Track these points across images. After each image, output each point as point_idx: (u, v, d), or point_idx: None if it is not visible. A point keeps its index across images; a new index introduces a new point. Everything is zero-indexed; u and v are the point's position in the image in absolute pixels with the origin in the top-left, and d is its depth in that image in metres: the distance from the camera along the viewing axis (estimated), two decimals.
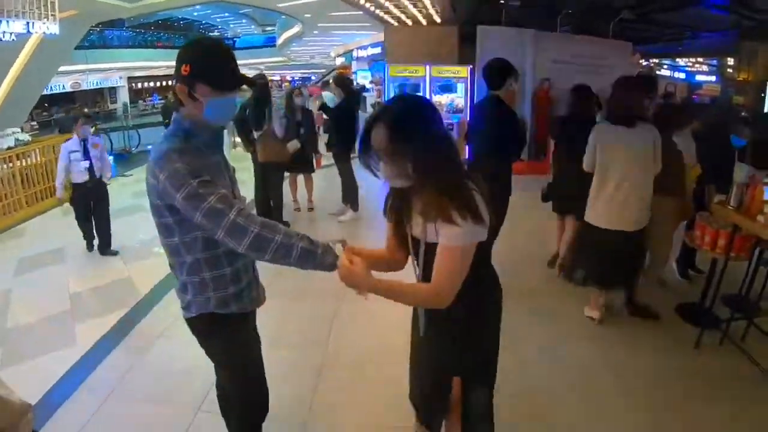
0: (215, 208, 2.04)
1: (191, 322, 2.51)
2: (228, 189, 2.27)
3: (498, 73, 4.98)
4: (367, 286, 2.13)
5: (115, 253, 7.26)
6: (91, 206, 7.21)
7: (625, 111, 4.37)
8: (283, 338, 4.70)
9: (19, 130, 12.70)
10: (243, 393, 2.70)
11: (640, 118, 4.38)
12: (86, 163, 6.99)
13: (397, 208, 2.33)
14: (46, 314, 5.48)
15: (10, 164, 9.84)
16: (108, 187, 7.41)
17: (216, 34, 57.79)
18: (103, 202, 7.31)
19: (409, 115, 2.08)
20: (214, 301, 2.40)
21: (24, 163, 10.17)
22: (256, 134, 7.42)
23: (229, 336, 2.53)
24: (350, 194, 8.27)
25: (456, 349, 2.39)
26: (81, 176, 7.01)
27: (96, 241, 7.36)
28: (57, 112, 33.43)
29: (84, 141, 7.01)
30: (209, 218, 2.05)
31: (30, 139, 12.01)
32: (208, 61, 2.20)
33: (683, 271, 5.87)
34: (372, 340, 4.75)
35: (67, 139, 7.27)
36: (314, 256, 2.10)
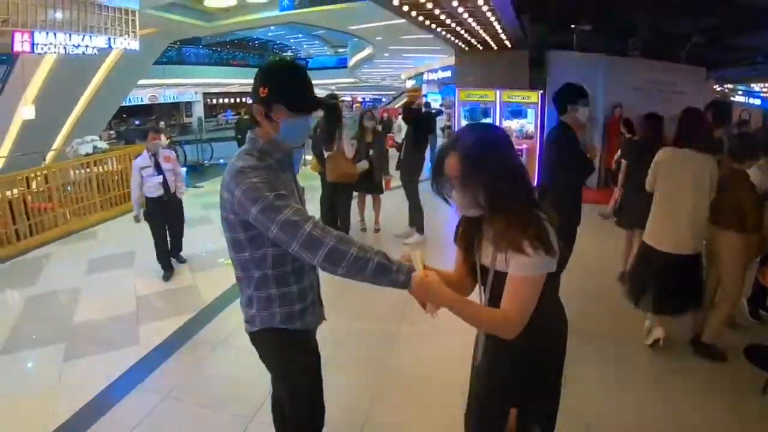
0: (291, 221, 2.06)
1: (254, 336, 2.55)
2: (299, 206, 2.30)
3: (561, 97, 4.90)
4: (443, 298, 2.07)
5: (183, 261, 7.30)
6: (166, 221, 7.01)
7: (688, 138, 4.56)
8: (341, 357, 4.69)
9: (97, 138, 13.15)
10: (299, 409, 2.71)
11: (702, 146, 4.52)
12: (159, 178, 6.77)
13: (468, 235, 2.32)
14: (112, 314, 5.67)
15: (88, 169, 10.28)
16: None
17: (289, 54, 58.82)
18: (178, 217, 7.27)
19: (482, 145, 2.07)
20: (279, 317, 2.45)
21: (100, 170, 10.56)
22: (326, 153, 7.49)
23: (290, 352, 2.56)
24: (416, 217, 8.25)
25: (515, 380, 2.32)
26: (155, 191, 6.78)
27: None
28: (134, 123, 34.53)
29: (154, 155, 6.79)
30: (285, 230, 2.07)
31: (107, 147, 12.41)
32: (286, 84, 2.27)
33: (755, 311, 5.58)
34: (430, 364, 4.72)
35: (138, 155, 7.09)
36: (389, 272, 2.07)
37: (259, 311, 2.45)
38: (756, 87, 24.62)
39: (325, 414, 2.82)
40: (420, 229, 8.25)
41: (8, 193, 8.63)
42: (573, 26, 11.79)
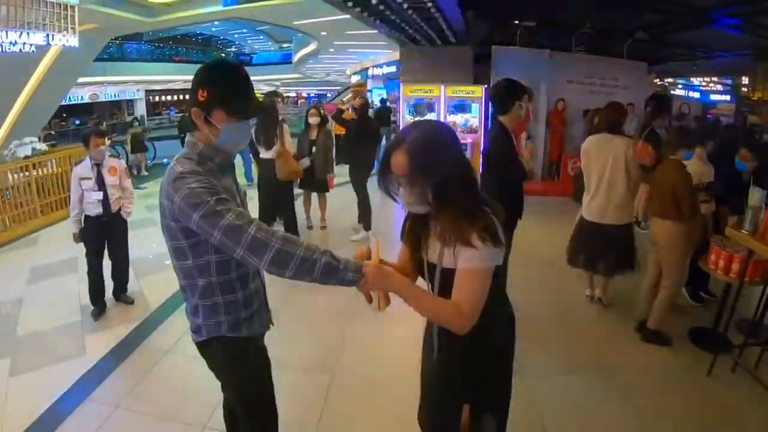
0: (234, 225, 2.00)
1: (201, 346, 2.50)
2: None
3: (504, 94, 4.68)
4: (399, 284, 2.07)
5: (131, 302, 6.11)
6: (104, 245, 5.96)
7: (607, 125, 5.37)
8: (290, 361, 4.66)
9: (36, 139, 12.77)
10: (253, 416, 2.65)
11: (619, 132, 5.36)
12: (99, 194, 5.69)
13: (415, 232, 2.34)
14: (57, 324, 5.50)
15: (26, 173, 9.89)
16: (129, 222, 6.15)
17: (233, 50, 58.20)
18: (121, 245, 6.09)
19: (429, 142, 2.08)
20: (225, 325, 2.41)
21: (40, 173, 10.22)
22: (265, 153, 7.44)
23: (240, 360, 2.51)
24: (365, 214, 8.29)
25: (467, 376, 2.39)
26: (93, 208, 5.73)
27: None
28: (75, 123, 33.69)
29: (98, 165, 5.71)
30: (228, 235, 2.00)
31: (46, 149, 12.04)
32: (226, 89, 2.21)
33: (695, 294, 5.81)
34: (379, 364, 4.75)
35: (78, 162, 6.00)
36: (337, 271, 2.03)
37: (206, 320, 2.40)
38: (695, 81, 25.29)
39: (278, 419, 2.78)
40: (367, 226, 8.29)
41: None
42: (517, 22, 11.93)
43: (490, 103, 10.25)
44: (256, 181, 9.09)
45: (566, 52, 12.56)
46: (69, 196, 6.01)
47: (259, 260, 1.99)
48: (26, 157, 10.53)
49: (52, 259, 7.57)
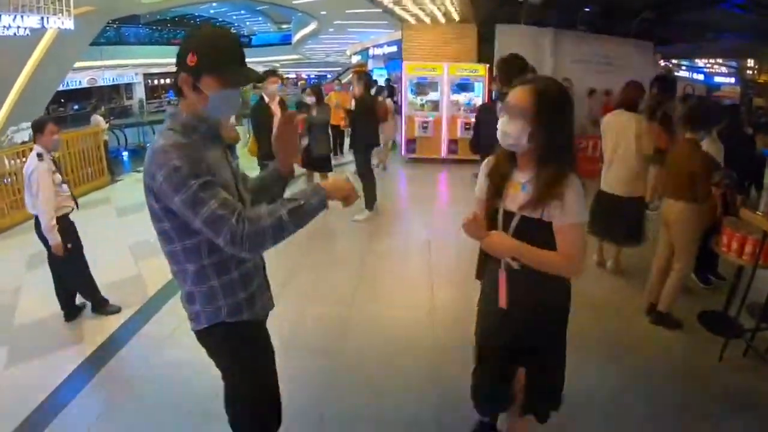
0: (216, 215, 1.93)
1: (200, 334, 2.35)
2: (230, 183, 2.17)
3: (506, 69, 4.58)
4: (516, 247, 2.33)
5: (117, 310, 5.43)
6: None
7: (624, 102, 5.61)
8: (294, 343, 4.58)
9: None
10: (255, 405, 2.52)
11: (635, 110, 5.56)
12: (66, 188, 5.19)
13: (496, 182, 2.48)
14: (55, 311, 5.36)
15: (23, 158, 9.58)
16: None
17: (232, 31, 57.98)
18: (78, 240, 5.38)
19: (561, 93, 2.33)
20: (225, 310, 2.26)
21: None
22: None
23: (242, 347, 2.37)
24: (369, 194, 8.23)
25: (539, 321, 2.55)
26: (66, 204, 5.14)
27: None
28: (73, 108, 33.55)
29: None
30: (209, 225, 1.94)
31: None
32: (218, 53, 2.06)
33: (705, 277, 5.72)
34: (386, 349, 4.64)
35: (37, 154, 4.92)
36: (302, 210, 2.04)
37: (203, 307, 2.25)
38: (700, 63, 25.14)
39: (281, 408, 2.65)
40: (370, 206, 8.25)
41: None
42: (521, 0, 11.73)
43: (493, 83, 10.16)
44: None
45: (571, 30, 12.36)
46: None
47: (240, 250, 1.97)
48: (23, 143, 10.41)
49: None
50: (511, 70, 4.49)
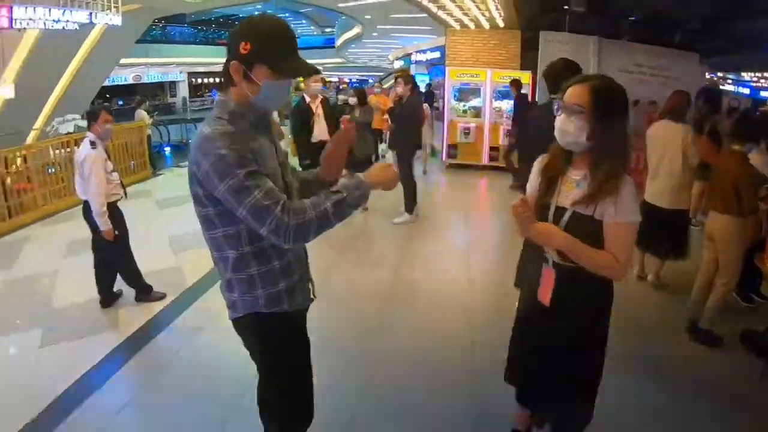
0: (261, 205, 1.92)
1: (237, 323, 2.33)
2: (277, 173, 2.15)
3: (556, 73, 4.23)
4: (563, 239, 2.31)
5: (162, 296, 5.51)
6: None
7: (671, 112, 5.50)
8: (329, 341, 4.50)
9: (78, 117, 12.87)
10: (287, 398, 2.46)
11: (680, 118, 5.46)
12: (117, 176, 5.28)
13: (549, 176, 2.49)
14: (91, 297, 5.41)
15: (68, 149, 9.91)
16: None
17: None
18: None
19: (617, 90, 2.32)
20: (263, 300, 2.22)
21: None
22: None
23: (278, 340, 2.34)
24: (410, 198, 8.15)
25: (581, 321, 2.51)
26: (116, 192, 5.21)
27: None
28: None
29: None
30: (253, 215, 1.94)
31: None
32: (272, 43, 2.03)
33: (746, 295, 5.52)
34: (424, 347, 4.58)
35: (90, 142, 5.01)
36: (346, 203, 2.05)
37: (241, 295, 2.22)
38: (746, 76, 24.58)
39: (313, 406, 2.57)
40: (410, 209, 8.15)
41: None
42: (566, 7, 11.59)
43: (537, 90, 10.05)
44: None
45: (616, 39, 12.16)
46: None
47: (282, 241, 1.97)
48: (68, 134, 10.58)
49: (89, 234, 7.48)
50: (553, 76, 4.24)
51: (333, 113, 7.77)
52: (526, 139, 4.93)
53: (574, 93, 2.30)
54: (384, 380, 4.10)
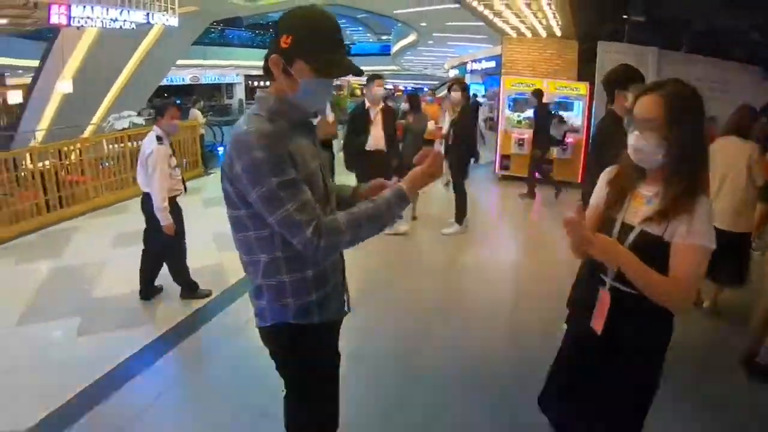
0: (293, 220, 1.81)
1: (264, 332, 2.22)
2: (317, 175, 2.01)
3: (611, 80, 4.17)
4: (623, 257, 2.03)
5: (208, 293, 5.50)
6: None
7: (736, 128, 5.07)
8: (367, 351, 4.39)
9: (134, 113, 13.10)
10: (311, 418, 2.33)
11: (747, 137, 5.03)
12: (178, 171, 5.28)
13: (617, 189, 2.28)
14: (131, 290, 5.45)
15: (121, 144, 10.17)
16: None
17: None
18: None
19: (689, 98, 2.07)
20: (293, 310, 2.08)
21: (134, 145, 10.34)
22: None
23: (306, 353, 2.19)
24: (461, 209, 7.95)
25: (634, 356, 2.23)
26: (177, 186, 5.21)
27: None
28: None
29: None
30: (284, 228, 1.85)
31: (144, 123, 12.35)
32: (315, 38, 1.90)
33: None
34: (463, 362, 4.40)
35: (157, 137, 5.03)
36: (383, 221, 1.96)
37: (270, 303, 2.09)
38: None
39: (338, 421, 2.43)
40: (459, 220, 7.94)
41: (40, 164, 8.60)
42: (624, 16, 11.30)
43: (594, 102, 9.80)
44: None
45: (675, 50, 11.81)
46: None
47: (312, 257, 1.90)
48: (123, 130, 10.79)
49: (139, 227, 7.46)
50: (608, 83, 4.11)
51: (393, 124, 7.52)
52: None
53: (645, 105, 2.07)
54: (417, 398, 3.93)
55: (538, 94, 10.62)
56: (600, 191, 2.38)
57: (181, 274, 5.42)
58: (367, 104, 7.25)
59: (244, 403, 3.75)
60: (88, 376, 3.99)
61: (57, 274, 6.14)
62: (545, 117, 10.38)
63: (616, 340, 2.21)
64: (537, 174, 10.62)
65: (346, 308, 2.33)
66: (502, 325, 5.14)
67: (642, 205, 2.16)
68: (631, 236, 2.13)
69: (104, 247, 7.01)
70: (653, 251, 2.05)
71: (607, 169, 2.39)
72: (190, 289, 5.42)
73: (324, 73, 1.94)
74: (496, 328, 5.08)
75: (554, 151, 11.35)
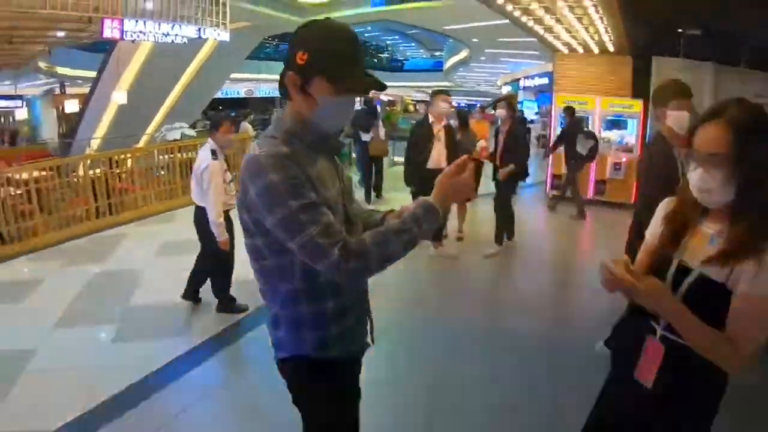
0: (315, 244, 1.67)
1: (281, 365, 2.10)
2: (338, 200, 1.90)
3: (654, 96, 3.98)
4: (673, 306, 1.77)
5: (245, 308, 5.42)
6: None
7: None
8: (391, 380, 4.24)
9: (186, 125, 13.34)
10: None
11: None
12: (233, 183, 5.18)
13: (674, 226, 1.97)
14: (170, 300, 5.49)
15: (172, 155, 10.36)
16: None
17: (386, 55, 59.10)
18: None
19: (762, 122, 1.75)
20: (310, 343, 1.97)
21: (184, 156, 10.60)
22: (365, 136, 10.11)
23: (323, 389, 2.06)
24: (506, 227, 7.73)
25: (682, 414, 1.95)
26: (231, 201, 5.08)
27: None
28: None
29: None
30: (307, 254, 1.70)
31: (195, 135, 12.58)
32: (332, 53, 1.77)
33: None
34: (495, 403, 4.09)
35: (211, 151, 5.00)
36: (414, 241, 1.78)
37: (287, 335, 1.98)
38: None
39: None
40: (500, 240, 7.69)
41: (91, 172, 8.88)
42: (680, 30, 11.00)
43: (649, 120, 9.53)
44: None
45: (733, 65, 11.45)
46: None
47: (338, 281, 1.81)
48: (174, 140, 10.99)
49: (184, 237, 7.24)
50: (663, 97, 3.85)
51: (456, 144, 7.28)
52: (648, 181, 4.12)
53: (707, 137, 1.77)
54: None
55: (569, 111, 10.58)
56: (655, 226, 2.09)
57: (223, 288, 5.38)
58: (431, 119, 7.04)
59: (274, 422, 3.59)
60: (120, 382, 4.02)
61: (100, 279, 6.26)
62: (573, 134, 10.24)
63: (663, 392, 1.94)
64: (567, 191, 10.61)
65: (369, 341, 2.19)
66: (541, 362, 4.76)
67: (703, 245, 1.86)
68: (689, 279, 1.84)
69: (148, 255, 7.11)
70: (712, 300, 1.78)
71: (665, 201, 2.11)
72: (228, 303, 5.38)
73: (343, 90, 1.82)
74: (533, 360, 4.76)
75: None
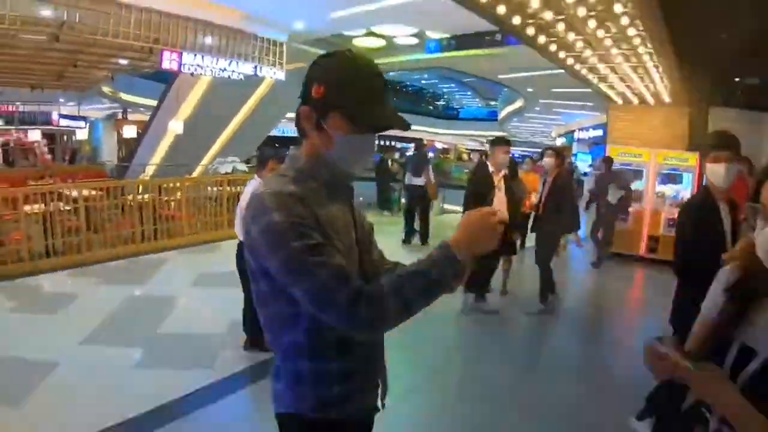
0: (325, 289, 1.49)
1: (279, 419, 1.87)
2: (353, 253, 1.72)
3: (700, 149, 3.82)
4: (732, 399, 1.43)
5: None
6: None
7: None
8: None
9: (238, 159, 13.56)
10: None
11: None
12: None
13: (739, 303, 1.65)
14: (199, 331, 5.51)
15: (221, 187, 10.57)
16: None
17: (442, 103, 59.56)
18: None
19: None
20: (309, 402, 1.75)
21: (233, 190, 10.76)
22: (416, 180, 10.68)
23: None
24: (546, 285, 7.24)
25: None
26: None
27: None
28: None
29: None
30: (315, 300, 1.52)
31: (246, 170, 12.80)
32: (351, 87, 1.63)
33: None
34: None
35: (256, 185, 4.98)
36: (438, 290, 1.57)
37: (287, 389, 1.78)
38: None
39: None
40: (544, 300, 7.21)
41: (140, 197, 9.08)
42: (737, 79, 10.72)
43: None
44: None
45: None
46: None
47: (351, 333, 1.60)
48: (225, 174, 11.20)
49: (223, 270, 7.16)
50: (706, 147, 3.73)
51: (515, 195, 7.09)
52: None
53: None
54: None
55: (607, 160, 10.54)
56: (714, 298, 1.79)
57: (254, 325, 5.18)
58: (491, 168, 6.80)
59: None
60: (136, 407, 4.01)
61: (134, 302, 6.34)
62: (606, 184, 10.14)
63: None
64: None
65: (378, 405, 1.98)
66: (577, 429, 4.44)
67: None
68: (752, 366, 1.51)
69: (185, 283, 7.13)
70: None
71: (726, 270, 1.80)
72: (257, 340, 5.22)
73: (362, 128, 1.67)
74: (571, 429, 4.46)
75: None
